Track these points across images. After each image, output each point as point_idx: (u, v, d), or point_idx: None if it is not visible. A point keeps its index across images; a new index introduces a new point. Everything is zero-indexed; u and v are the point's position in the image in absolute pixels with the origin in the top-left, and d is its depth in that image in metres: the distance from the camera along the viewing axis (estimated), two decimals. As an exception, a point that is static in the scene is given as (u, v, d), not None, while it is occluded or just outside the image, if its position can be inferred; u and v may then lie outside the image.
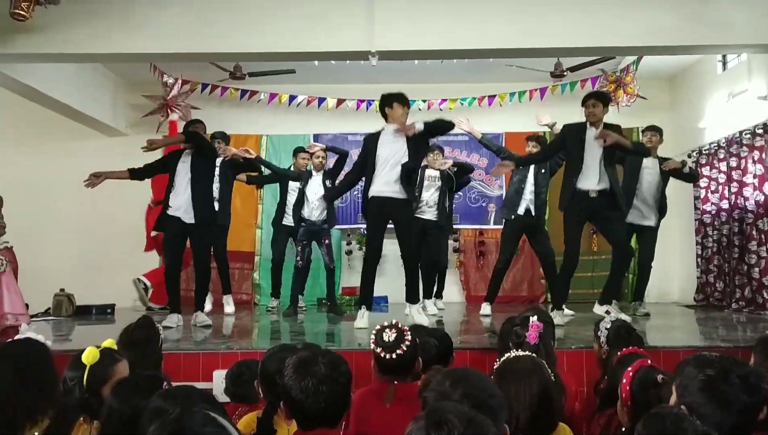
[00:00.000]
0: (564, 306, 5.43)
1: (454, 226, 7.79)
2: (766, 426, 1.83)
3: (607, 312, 5.08)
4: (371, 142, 5.16)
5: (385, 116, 5.17)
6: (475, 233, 8.53)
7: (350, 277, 8.22)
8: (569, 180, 5.21)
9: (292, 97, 8.44)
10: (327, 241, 6.78)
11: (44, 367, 2.35)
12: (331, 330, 5.62)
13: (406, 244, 5.15)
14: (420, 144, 5.13)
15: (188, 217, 5.28)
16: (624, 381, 2.24)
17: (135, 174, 5.51)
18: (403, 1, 5.44)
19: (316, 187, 6.69)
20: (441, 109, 8.33)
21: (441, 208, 6.47)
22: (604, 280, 5.62)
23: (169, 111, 8.12)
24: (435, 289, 6.95)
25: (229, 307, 6.82)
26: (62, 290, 7.14)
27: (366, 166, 5.16)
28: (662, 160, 6.12)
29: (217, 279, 6.71)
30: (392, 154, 5.03)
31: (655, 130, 6.19)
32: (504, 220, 6.43)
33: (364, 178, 5.21)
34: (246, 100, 8.39)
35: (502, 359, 2.25)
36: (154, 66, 7.80)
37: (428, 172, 6.50)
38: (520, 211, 6.13)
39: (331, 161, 7.06)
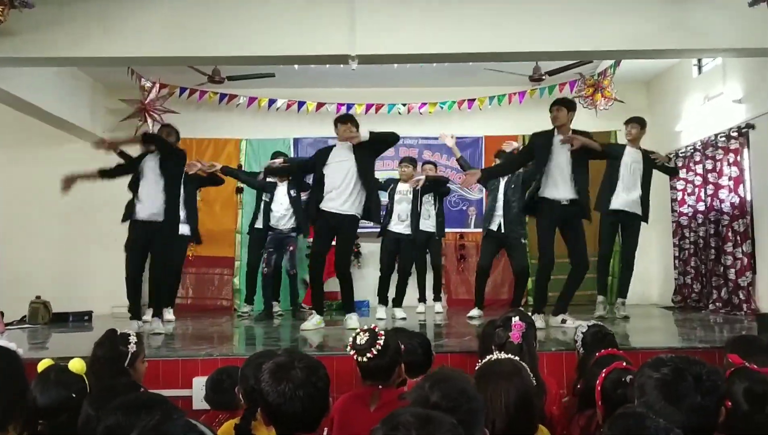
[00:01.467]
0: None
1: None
2: (727, 428, 1.83)
3: (563, 321, 5.17)
4: (323, 156, 5.40)
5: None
6: (456, 237, 8.54)
7: (330, 282, 8.17)
8: (536, 188, 5.28)
9: (271, 101, 8.40)
10: (291, 249, 7.01)
11: (13, 375, 2.33)
12: (311, 335, 5.59)
13: (342, 255, 5.44)
14: (367, 159, 5.34)
15: (156, 217, 5.26)
16: (597, 382, 2.27)
17: (104, 174, 5.49)
18: (383, 5, 5.44)
19: (281, 197, 6.90)
20: (421, 113, 8.36)
21: (414, 220, 6.63)
22: (587, 282, 5.65)
23: (146, 115, 8.06)
24: (428, 292, 7.22)
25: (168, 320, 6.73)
26: (38, 297, 7.02)
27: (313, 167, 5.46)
28: (645, 152, 6.14)
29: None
30: (341, 171, 5.25)
31: (636, 121, 6.21)
32: (484, 231, 6.58)
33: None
34: (225, 104, 8.35)
35: (483, 361, 2.26)
36: (131, 70, 7.73)
37: (399, 186, 6.63)
38: (493, 226, 6.35)
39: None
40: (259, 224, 7.04)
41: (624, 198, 6.00)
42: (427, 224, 6.92)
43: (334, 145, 5.44)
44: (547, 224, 5.26)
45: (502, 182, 6.35)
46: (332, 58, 5.62)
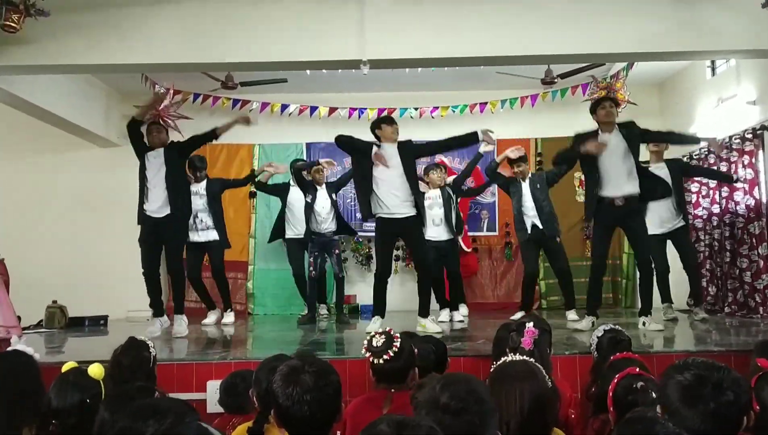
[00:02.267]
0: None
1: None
2: (757, 431, 1.82)
3: (644, 323, 5.21)
4: (368, 152, 5.26)
5: (377, 138, 5.35)
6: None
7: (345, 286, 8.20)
8: (590, 190, 5.26)
9: (284, 107, 8.45)
10: (336, 252, 7.02)
11: (29, 378, 2.39)
12: (326, 338, 5.61)
13: (418, 256, 5.42)
14: (411, 160, 5.32)
15: (163, 210, 5.32)
16: (610, 387, 2.26)
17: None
18: (394, 10, 5.45)
19: (322, 201, 6.88)
20: (433, 117, 8.36)
21: (449, 224, 6.55)
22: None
23: (160, 121, 8.11)
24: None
25: (226, 323, 6.82)
26: (55, 302, 7.10)
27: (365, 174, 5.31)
28: (670, 163, 6.14)
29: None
30: (391, 174, 5.19)
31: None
32: (521, 241, 6.60)
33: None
34: (238, 110, 8.38)
35: (498, 363, 2.25)
36: (145, 76, 7.79)
37: (428, 192, 6.54)
38: (528, 228, 6.34)
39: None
40: (293, 234, 7.07)
41: (660, 215, 6.04)
42: (438, 231, 6.81)
43: (379, 147, 5.30)
44: (602, 227, 5.27)
45: (525, 185, 6.36)
46: (344, 63, 5.64)
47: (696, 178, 7.41)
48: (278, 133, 8.58)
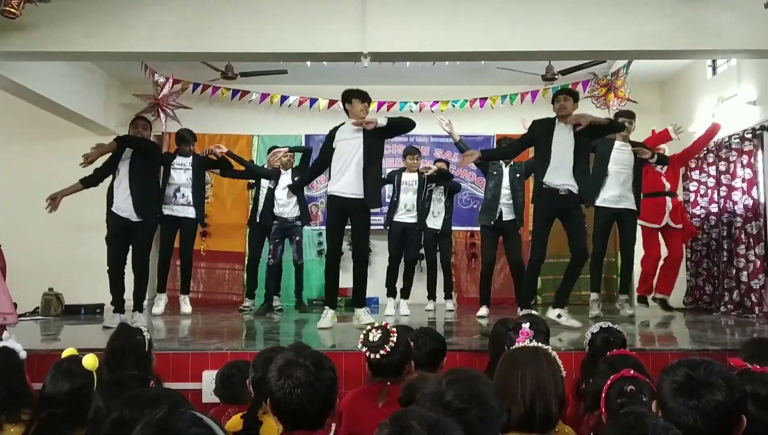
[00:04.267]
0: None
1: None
2: None
3: (559, 316, 5.10)
4: (329, 136, 5.17)
5: (346, 112, 5.15)
6: (467, 235, 8.53)
7: (342, 277, 8.18)
8: (537, 176, 5.19)
9: (283, 98, 8.43)
10: (297, 239, 6.98)
11: (13, 376, 2.45)
12: (322, 331, 5.61)
13: (359, 243, 5.18)
14: (375, 142, 5.05)
15: (130, 217, 5.32)
16: (604, 387, 2.27)
17: (87, 182, 5.48)
18: (396, 3, 5.44)
19: (285, 185, 6.78)
20: (433, 111, 8.34)
21: (421, 209, 6.60)
22: (584, 281, 5.63)
23: (159, 110, 8.11)
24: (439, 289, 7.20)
25: (186, 307, 6.79)
26: (51, 290, 7.09)
27: (326, 159, 5.18)
28: (634, 144, 6.02)
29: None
30: (347, 151, 5.01)
31: (630, 115, 6.12)
32: (481, 226, 6.49)
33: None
34: (237, 100, 8.38)
35: (511, 349, 2.24)
36: (145, 65, 7.77)
37: (405, 176, 6.62)
38: (496, 215, 6.26)
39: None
40: (261, 221, 7.02)
41: (616, 194, 5.91)
42: (436, 221, 6.94)
43: (342, 124, 5.16)
44: (544, 215, 5.16)
45: (506, 172, 6.29)
46: (344, 56, 5.63)
47: (694, 178, 7.42)
48: (277, 124, 8.57)
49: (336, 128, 5.18)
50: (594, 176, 5.75)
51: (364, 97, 5.07)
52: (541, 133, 5.19)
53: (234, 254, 8.47)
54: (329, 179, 5.20)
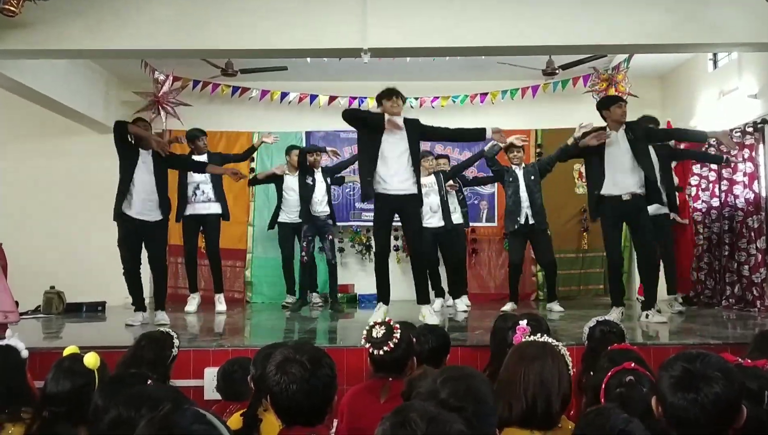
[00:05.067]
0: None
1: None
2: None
3: (647, 316, 5.25)
4: (378, 119, 5.13)
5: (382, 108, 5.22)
6: (468, 231, 8.52)
7: (343, 274, 8.20)
8: (594, 188, 5.30)
9: (284, 94, 8.42)
10: (330, 237, 6.96)
11: (14, 375, 2.50)
12: (325, 327, 5.62)
13: (416, 239, 5.22)
14: (416, 140, 5.19)
15: (149, 217, 5.32)
16: (604, 381, 2.28)
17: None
18: (396, -2, 5.43)
19: (318, 183, 6.88)
20: (433, 107, 8.34)
21: (445, 210, 6.62)
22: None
23: (159, 108, 8.10)
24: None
25: (221, 306, 6.79)
26: (52, 288, 7.10)
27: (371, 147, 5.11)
28: (658, 148, 5.93)
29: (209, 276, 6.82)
30: (395, 149, 5.05)
31: (652, 120, 6.16)
32: (508, 232, 6.61)
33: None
34: (237, 97, 8.37)
35: (521, 342, 2.25)
36: (145, 62, 7.76)
37: (423, 179, 6.55)
38: (521, 220, 6.33)
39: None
40: (287, 219, 7.08)
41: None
42: (454, 216, 6.90)
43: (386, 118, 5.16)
44: (610, 223, 5.29)
45: (521, 175, 6.36)
46: (344, 52, 5.62)
47: (696, 172, 7.41)
48: (278, 120, 8.55)
49: (382, 120, 5.14)
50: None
51: (389, 94, 5.22)
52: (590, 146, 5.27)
53: (235, 251, 8.47)
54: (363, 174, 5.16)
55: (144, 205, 5.30)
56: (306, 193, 6.83)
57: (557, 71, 7.48)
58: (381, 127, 5.02)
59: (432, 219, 6.54)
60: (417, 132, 5.19)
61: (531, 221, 6.31)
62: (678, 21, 5.32)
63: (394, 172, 5.02)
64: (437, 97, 8.36)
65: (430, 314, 5.07)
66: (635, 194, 5.19)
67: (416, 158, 5.18)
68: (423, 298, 5.17)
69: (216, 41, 5.51)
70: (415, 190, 5.09)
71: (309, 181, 6.86)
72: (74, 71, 7.34)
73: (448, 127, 5.47)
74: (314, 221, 6.85)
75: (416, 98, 8.31)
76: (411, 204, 5.11)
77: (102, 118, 8.05)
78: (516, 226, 6.35)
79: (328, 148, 7.31)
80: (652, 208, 5.63)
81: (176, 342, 3.03)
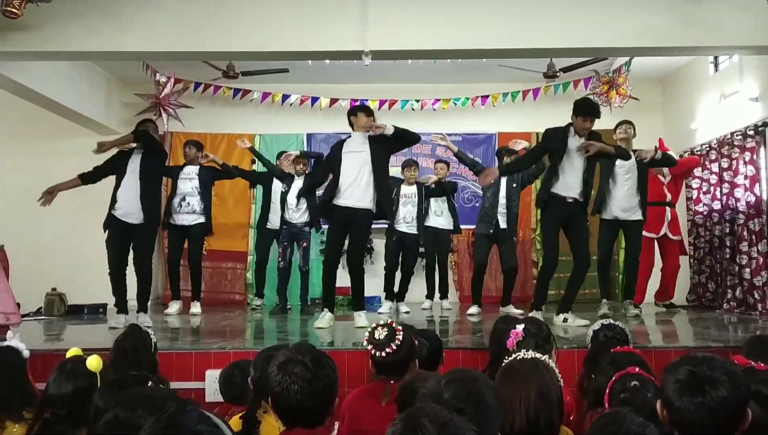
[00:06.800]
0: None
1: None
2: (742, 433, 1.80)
3: (565, 320, 5.19)
4: (336, 148, 5.25)
5: (351, 126, 5.24)
6: (468, 234, 8.51)
7: (344, 277, 8.17)
8: (547, 183, 5.27)
9: (285, 97, 8.43)
10: (305, 244, 7.01)
11: (16, 376, 2.51)
12: (328, 329, 5.61)
13: (358, 252, 5.28)
14: (382, 156, 5.16)
15: (133, 219, 5.31)
16: (608, 384, 2.27)
17: (86, 178, 5.51)
18: (397, 1, 5.43)
19: (295, 191, 6.88)
20: (434, 109, 8.35)
21: (420, 222, 6.72)
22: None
23: (161, 110, 8.11)
24: (434, 289, 7.31)
25: (196, 310, 6.78)
26: (54, 290, 7.10)
27: (333, 169, 5.21)
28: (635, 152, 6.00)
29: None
30: (356, 164, 5.08)
31: (629, 123, 6.19)
32: (477, 233, 6.60)
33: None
34: (239, 99, 8.38)
35: (508, 360, 2.24)
36: (146, 64, 7.77)
37: (404, 189, 6.68)
38: (494, 223, 6.35)
39: None
40: (270, 225, 7.11)
41: (622, 206, 5.95)
42: (439, 221, 6.97)
43: (348, 137, 5.26)
44: (554, 222, 5.27)
45: (503, 182, 6.35)
46: (346, 54, 5.62)
47: (697, 175, 7.41)
48: (279, 123, 8.57)
49: (342, 142, 5.27)
50: (600, 189, 5.96)
51: (369, 112, 5.22)
52: (554, 142, 5.24)
53: (236, 254, 8.49)
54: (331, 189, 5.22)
55: (128, 208, 5.32)
56: (282, 200, 6.92)
57: (558, 74, 7.50)
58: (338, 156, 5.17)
59: (403, 226, 6.65)
60: (382, 147, 5.13)
61: (503, 226, 6.32)
62: (679, 24, 5.33)
63: (351, 186, 5.06)
64: (438, 100, 8.37)
65: (362, 318, 5.13)
66: (576, 199, 5.21)
67: (380, 174, 5.12)
68: (358, 305, 5.25)
69: (217, 43, 5.52)
70: (369, 206, 5.09)
71: (284, 188, 6.93)
72: (76, 73, 7.35)
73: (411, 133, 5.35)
74: (289, 229, 6.91)
75: (417, 100, 8.33)
76: (362, 219, 5.12)
77: (103, 119, 8.07)
78: (491, 231, 6.34)
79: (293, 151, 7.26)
80: (630, 214, 5.84)
81: (151, 332, 3.11)
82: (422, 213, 6.75)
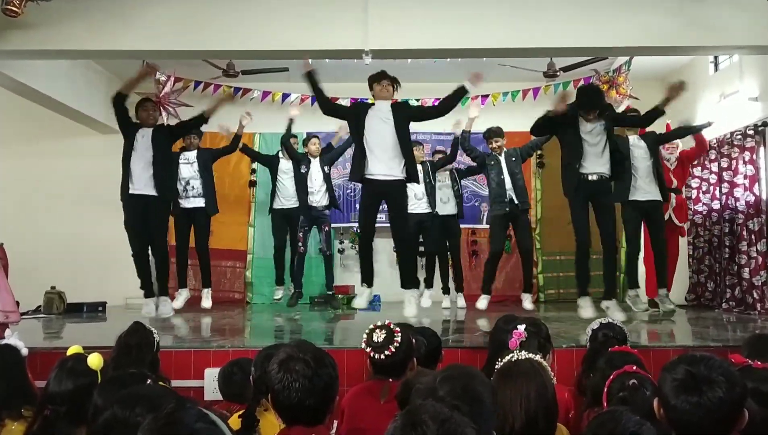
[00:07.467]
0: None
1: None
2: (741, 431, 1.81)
3: (607, 308, 5.19)
4: (361, 110, 5.20)
5: (373, 96, 5.25)
6: (468, 232, 8.52)
7: (343, 276, 8.20)
8: (570, 166, 5.25)
9: (285, 95, 8.43)
10: (326, 228, 6.93)
11: (15, 374, 2.54)
12: (324, 328, 5.62)
13: (401, 225, 5.23)
14: (405, 124, 5.15)
15: (149, 190, 5.41)
16: (606, 383, 2.28)
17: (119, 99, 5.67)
18: (397, 0, 5.43)
19: (315, 173, 6.84)
20: (434, 109, 8.33)
21: (431, 198, 6.68)
22: (595, 279, 5.62)
23: (161, 108, 8.10)
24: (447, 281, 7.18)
25: (207, 302, 6.78)
26: (53, 288, 7.10)
27: (357, 135, 5.16)
28: (645, 137, 5.97)
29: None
30: (382, 134, 5.05)
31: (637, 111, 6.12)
32: (493, 216, 6.56)
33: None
34: (239, 98, 8.37)
35: (504, 361, 2.24)
36: (146, 63, 7.76)
37: None
38: (507, 201, 6.36)
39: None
40: (277, 204, 7.06)
41: (641, 188, 5.85)
42: (447, 208, 6.90)
43: (373, 105, 5.21)
44: (580, 203, 5.25)
45: (502, 159, 6.42)
46: (346, 53, 5.63)
47: (696, 174, 7.41)
48: (279, 121, 8.51)
49: (364, 105, 5.24)
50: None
51: (379, 78, 5.22)
52: (567, 124, 5.27)
53: (235, 252, 8.48)
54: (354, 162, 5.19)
55: (140, 180, 5.41)
56: (300, 182, 6.81)
57: (558, 73, 7.49)
58: (358, 118, 5.11)
59: (417, 207, 6.60)
60: (405, 116, 5.17)
61: (516, 201, 6.34)
62: (679, 23, 5.33)
63: (379, 158, 5.02)
64: (438, 99, 8.34)
65: (411, 302, 5.11)
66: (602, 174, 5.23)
67: (405, 144, 5.10)
68: (407, 283, 5.20)
69: (218, 42, 5.52)
70: (401, 176, 5.06)
71: (303, 169, 6.83)
72: (76, 72, 7.35)
73: (432, 106, 5.42)
74: (310, 211, 6.81)
75: (417, 99, 8.31)
76: (396, 190, 5.11)
77: (104, 118, 8.05)
78: (507, 209, 6.32)
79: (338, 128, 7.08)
80: (648, 192, 5.74)
81: (153, 330, 3.11)
82: (432, 186, 6.72)
